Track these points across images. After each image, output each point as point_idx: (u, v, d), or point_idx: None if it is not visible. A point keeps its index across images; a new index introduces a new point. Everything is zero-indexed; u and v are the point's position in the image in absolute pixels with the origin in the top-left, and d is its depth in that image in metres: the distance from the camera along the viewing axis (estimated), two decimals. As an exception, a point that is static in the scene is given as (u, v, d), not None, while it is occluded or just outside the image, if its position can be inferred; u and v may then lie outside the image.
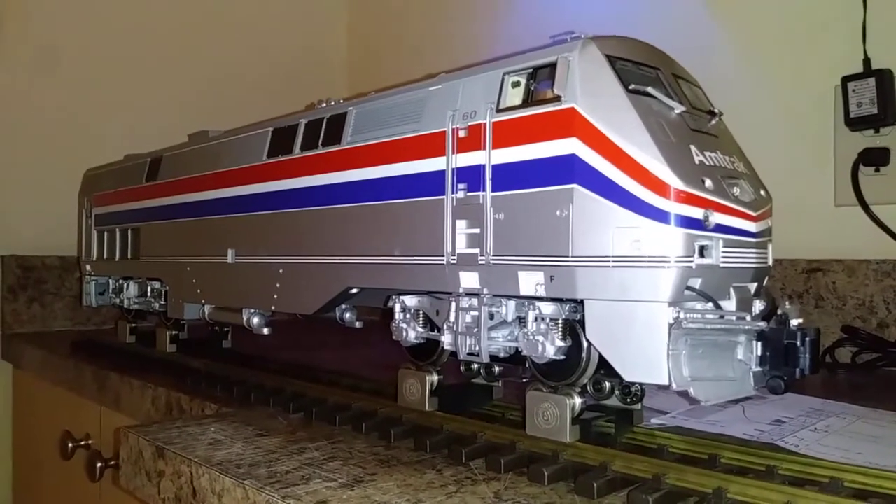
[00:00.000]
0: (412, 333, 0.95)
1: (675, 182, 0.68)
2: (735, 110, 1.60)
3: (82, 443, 1.59)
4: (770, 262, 0.79)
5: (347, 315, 1.18)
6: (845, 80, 1.54)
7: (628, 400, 0.87)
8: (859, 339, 1.52)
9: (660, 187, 0.69)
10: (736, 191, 0.73)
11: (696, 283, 0.70)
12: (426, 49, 2.57)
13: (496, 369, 0.99)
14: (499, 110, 0.81)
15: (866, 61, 1.53)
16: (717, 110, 0.80)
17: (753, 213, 0.74)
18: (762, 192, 0.78)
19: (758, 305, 0.76)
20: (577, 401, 0.80)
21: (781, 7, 1.70)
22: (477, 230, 0.83)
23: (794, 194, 1.61)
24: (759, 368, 0.72)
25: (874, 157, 1.53)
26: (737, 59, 1.76)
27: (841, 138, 1.58)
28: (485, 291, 0.83)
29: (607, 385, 0.86)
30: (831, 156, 1.60)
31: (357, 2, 2.94)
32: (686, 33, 1.82)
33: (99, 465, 1.41)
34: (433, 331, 0.94)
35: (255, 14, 2.63)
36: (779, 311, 0.72)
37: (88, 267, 1.79)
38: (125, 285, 1.66)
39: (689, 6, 1.84)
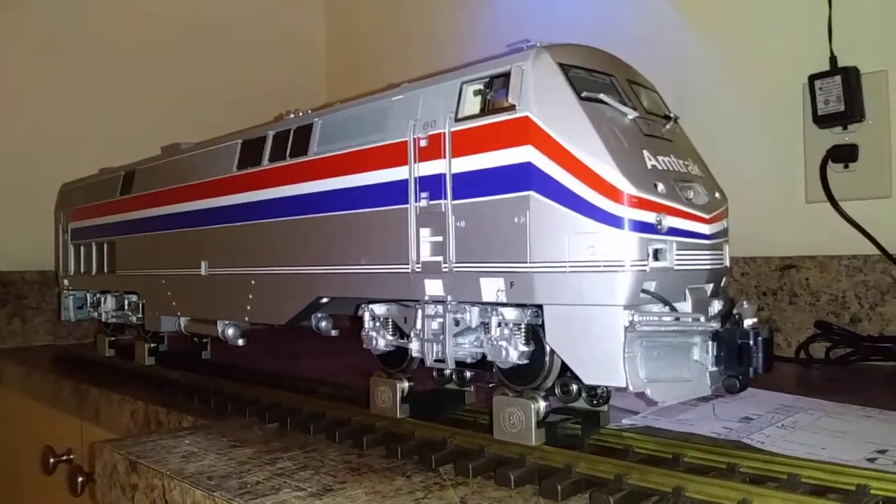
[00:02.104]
0: (382, 341, 0.96)
1: (627, 187, 0.69)
2: (706, 111, 1.64)
3: (64, 457, 1.59)
4: (727, 263, 0.80)
5: (323, 324, 1.18)
6: (812, 78, 1.56)
7: (594, 402, 0.88)
8: (833, 335, 1.54)
9: (612, 193, 0.70)
10: (689, 194, 0.75)
11: (651, 285, 0.71)
12: (406, 44, 2.58)
13: (468, 374, 1.00)
14: (457, 119, 0.83)
15: (832, 59, 1.55)
16: (672, 115, 0.82)
17: (707, 216, 0.75)
18: (717, 195, 0.79)
19: (716, 306, 0.77)
20: (542, 404, 0.81)
21: (749, 6, 1.72)
22: (440, 238, 0.84)
23: (766, 192, 1.64)
24: (714, 368, 0.73)
25: (842, 154, 1.55)
26: (706, 59, 1.78)
27: (810, 136, 1.60)
28: (449, 298, 0.84)
29: (574, 388, 0.87)
30: (801, 154, 1.62)
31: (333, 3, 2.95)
32: (656, 36, 1.84)
33: (80, 479, 1.41)
34: (402, 338, 0.95)
35: (230, 24, 2.64)
36: (734, 311, 0.73)
37: (66, 281, 1.79)
38: (102, 299, 1.67)
39: (658, 7, 1.85)
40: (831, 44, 1.56)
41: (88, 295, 1.74)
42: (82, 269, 1.73)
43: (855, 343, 1.50)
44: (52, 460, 1.58)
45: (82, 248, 1.73)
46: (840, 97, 1.52)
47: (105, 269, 1.62)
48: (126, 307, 1.58)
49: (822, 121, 1.56)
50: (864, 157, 1.53)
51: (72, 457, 1.59)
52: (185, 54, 2.51)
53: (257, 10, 2.72)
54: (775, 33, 1.67)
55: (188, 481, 0.83)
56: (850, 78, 1.52)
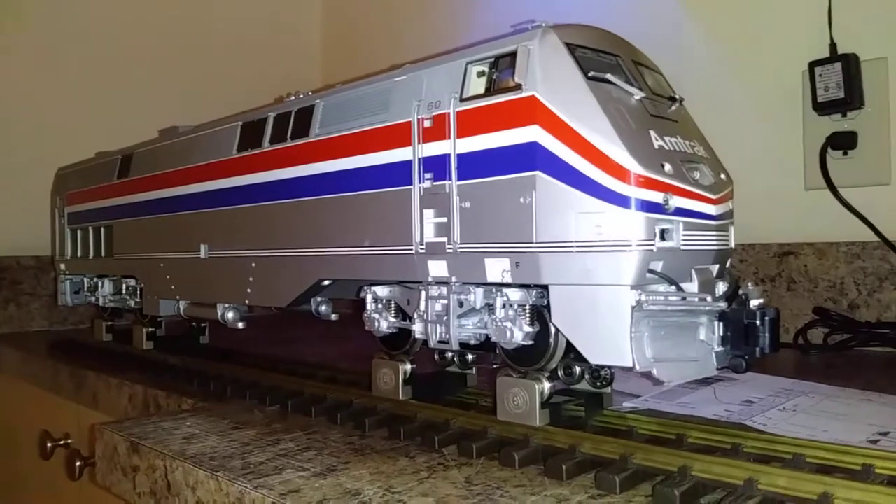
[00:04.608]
0: (384, 323, 0.96)
1: (634, 167, 0.69)
2: (706, 98, 1.63)
3: (61, 442, 1.58)
4: (732, 245, 0.80)
5: (323, 307, 1.18)
6: (812, 65, 1.56)
7: (598, 384, 0.88)
8: (831, 321, 1.54)
9: (620, 172, 0.69)
10: (696, 174, 0.75)
11: (658, 265, 0.71)
12: (403, 33, 2.57)
13: (469, 357, 1.00)
14: (462, 99, 0.82)
15: (832, 46, 1.55)
16: (677, 96, 0.81)
17: (713, 197, 0.75)
18: (722, 176, 0.79)
19: (721, 287, 0.77)
20: (546, 385, 0.81)
21: (749, -6, 1.72)
22: (444, 219, 0.84)
23: (765, 179, 1.64)
24: (720, 348, 0.73)
25: (842, 141, 1.55)
26: (706, 46, 1.77)
27: (809, 123, 1.60)
28: (453, 279, 0.84)
29: (577, 369, 0.87)
30: (801, 140, 1.62)
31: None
32: (656, 22, 1.83)
33: (78, 463, 1.41)
34: (405, 320, 0.95)
35: (227, 11, 2.62)
36: (740, 292, 0.73)
37: (63, 266, 1.78)
38: (100, 283, 1.66)
39: (658, -6, 1.85)
40: (831, 31, 1.55)
41: (85, 279, 1.73)
42: (79, 254, 1.72)
43: (853, 329, 1.51)
44: (49, 445, 1.57)
45: (79, 232, 1.71)
46: (840, 84, 1.52)
47: (102, 254, 1.61)
48: (124, 291, 1.57)
49: (821, 108, 1.56)
50: (864, 144, 1.53)
51: (69, 441, 1.58)
52: (181, 41, 2.49)
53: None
54: (775, 20, 1.67)
55: (191, 462, 0.83)
56: (850, 65, 1.52)
